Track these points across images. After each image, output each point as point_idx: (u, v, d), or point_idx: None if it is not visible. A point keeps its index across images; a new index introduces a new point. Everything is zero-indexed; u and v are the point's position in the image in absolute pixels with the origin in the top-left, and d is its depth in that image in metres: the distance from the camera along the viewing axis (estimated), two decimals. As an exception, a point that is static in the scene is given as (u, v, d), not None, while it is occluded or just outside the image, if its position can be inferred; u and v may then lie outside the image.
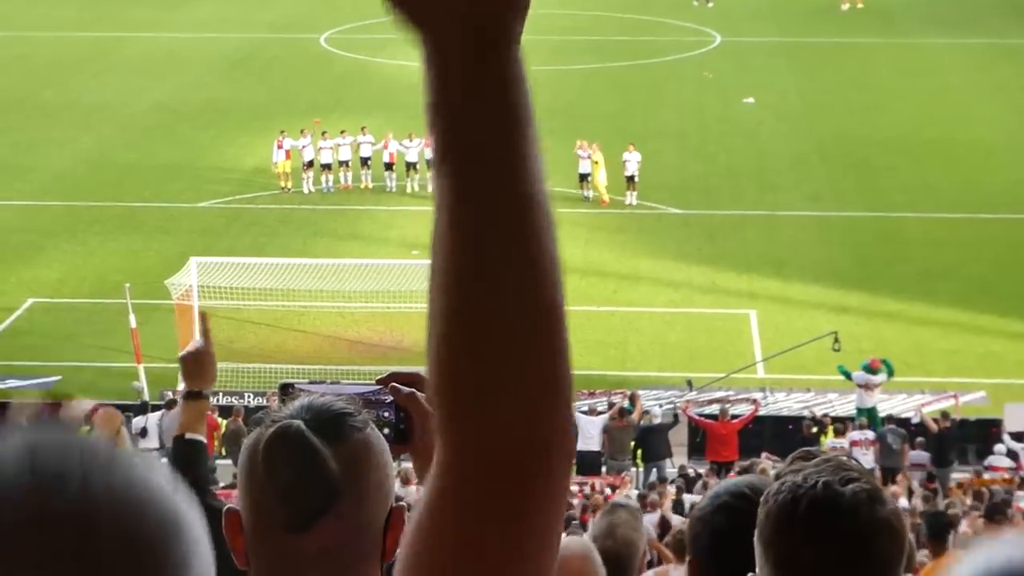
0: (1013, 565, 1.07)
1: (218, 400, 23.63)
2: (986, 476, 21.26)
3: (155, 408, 22.90)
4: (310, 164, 35.99)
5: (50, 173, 37.72)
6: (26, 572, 1.05)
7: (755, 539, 2.45)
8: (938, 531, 11.33)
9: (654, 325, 28.29)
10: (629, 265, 30.44)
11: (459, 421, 1.21)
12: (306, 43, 53.26)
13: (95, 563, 1.06)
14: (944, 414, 23.18)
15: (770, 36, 53.68)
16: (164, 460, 4.46)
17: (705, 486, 19.81)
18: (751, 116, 42.72)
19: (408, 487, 14.36)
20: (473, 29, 1.17)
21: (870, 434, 22.17)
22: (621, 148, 34.67)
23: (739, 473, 18.72)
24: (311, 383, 2.36)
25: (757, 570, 2.44)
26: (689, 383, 24.89)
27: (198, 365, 4.09)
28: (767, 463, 18.52)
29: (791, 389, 25.29)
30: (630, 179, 34.46)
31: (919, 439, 22.34)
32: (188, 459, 4.26)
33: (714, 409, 23.44)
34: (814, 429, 22.48)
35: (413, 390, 2.34)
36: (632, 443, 22.66)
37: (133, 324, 25.46)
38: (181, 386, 4.60)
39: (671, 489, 18.70)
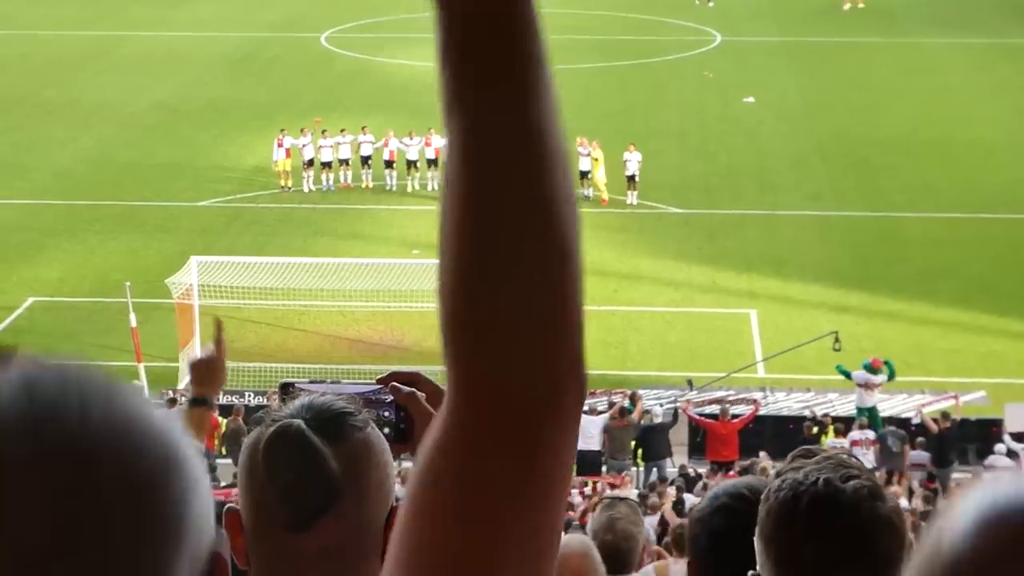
0: (1019, 501, 1.06)
1: (218, 399, 23.58)
2: (986, 476, 21.24)
3: (155, 407, 22.87)
4: (310, 163, 35.99)
5: (51, 172, 37.72)
6: (23, 506, 1.03)
7: (756, 536, 2.45)
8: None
9: (654, 324, 28.29)
10: (630, 264, 30.44)
11: (468, 358, 1.19)
12: (307, 42, 53.25)
13: (94, 497, 1.05)
14: (944, 414, 23.16)
15: (770, 36, 53.68)
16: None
17: (705, 487, 19.81)
18: (751, 115, 42.72)
19: (408, 486, 14.33)
20: None
21: (870, 434, 22.16)
22: (622, 147, 34.67)
23: (739, 472, 18.74)
24: (311, 382, 2.36)
25: (758, 568, 2.44)
26: (689, 383, 24.88)
27: (209, 372, 4.08)
28: (767, 463, 18.54)
29: (791, 389, 25.28)
30: (631, 179, 34.45)
31: (919, 439, 22.33)
32: None
33: (714, 409, 23.43)
34: (814, 429, 22.47)
35: (413, 390, 2.34)
36: (633, 443, 22.66)
37: (133, 323, 25.45)
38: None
39: (671, 491, 18.69)
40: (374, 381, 2.39)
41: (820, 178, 36.94)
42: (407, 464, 4.52)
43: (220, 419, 22.62)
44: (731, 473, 19.03)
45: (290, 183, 35.88)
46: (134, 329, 25.45)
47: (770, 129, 41.40)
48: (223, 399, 24.14)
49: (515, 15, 1.17)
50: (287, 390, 2.30)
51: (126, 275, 27.91)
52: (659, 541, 13.19)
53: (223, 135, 40.81)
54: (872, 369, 23.61)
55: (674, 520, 13.78)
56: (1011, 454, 22.02)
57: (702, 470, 21.53)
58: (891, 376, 23.62)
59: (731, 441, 22.44)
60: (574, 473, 20.87)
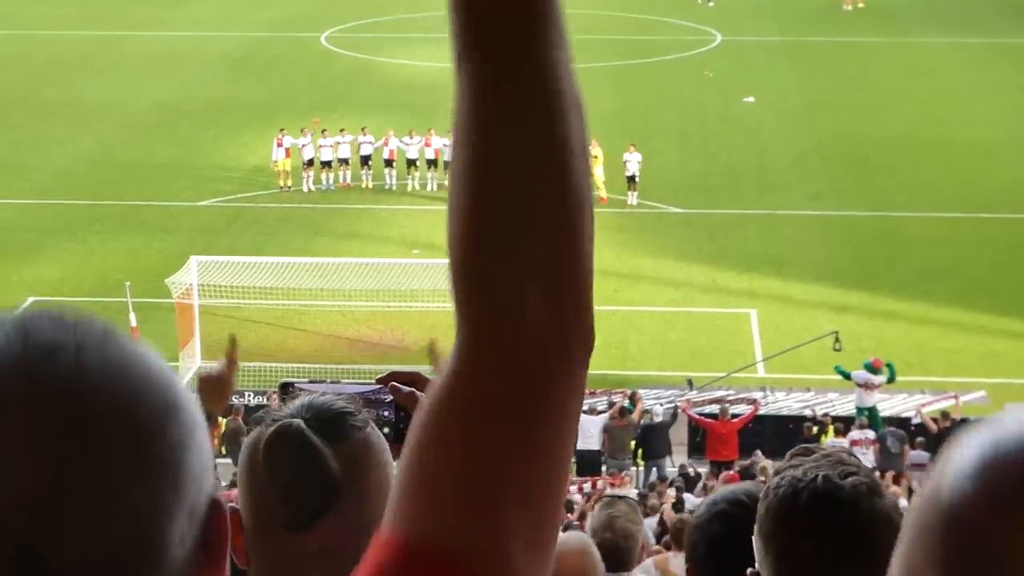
0: (1020, 443, 1.06)
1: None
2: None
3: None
4: (310, 163, 35.99)
5: (51, 171, 37.71)
6: (17, 451, 1.01)
7: (755, 534, 2.46)
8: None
9: (655, 324, 28.29)
10: (630, 264, 30.43)
11: (476, 303, 1.18)
12: (307, 42, 53.26)
13: (90, 441, 1.02)
14: (944, 414, 23.15)
15: (770, 35, 53.69)
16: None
17: (705, 487, 19.82)
18: (752, 115, 42.72)
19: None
20: None
21: (870, 434, 22.15)
22: (622, 147, 34.66)
23: (740, 472, 18.75)
24: (311, 382, 2.37)
25: (757, 565, 2.45)
26: (690, 382, 24.88)
27: (217, 389, 4.08)
28: (767, 462, 18.53)
29: (791, 388, 25.28)
30: (631, 179, 34.45)
31: (919, 439, 22.31)
32: None
33: (714, 408, 23.43)
34: (814, 429, 22.47)
35: (413, 389, 2.34)
36: (632, 442, 22.66)
37: (133, 323, 25.45)
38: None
39: (671, 492, 18.68)
40: (374, 381, 2.40)
41: (820, 178, 36.94)
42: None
43: (220, 419, 22.60)
44: (731, 473, 19.01)
45: (290, 183, 35.87)
46: (134, 329, 25.42)
47: (770, 129, 41.40)
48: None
49: None
50: (287, 390, 2.31)
51: (126, 275, 27.91)
52: (658, 542, 13.18)
53: (223, 135, 40.81)
54: (873, 369, 23.60)
55: (673, 518, 13.77)
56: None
57: (702, 470, 21.53)
58: (891, 379, 23.61)
59: (731, 441, 22.44)
60: (574, 473, 20.89)
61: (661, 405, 23.71)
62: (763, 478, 12.87)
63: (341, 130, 36.56)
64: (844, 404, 24.30)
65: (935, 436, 22.30)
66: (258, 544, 2.05)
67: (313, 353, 26.68)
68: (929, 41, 51.92)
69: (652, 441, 22.58)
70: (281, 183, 35.94)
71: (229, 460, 20.62)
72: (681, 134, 40.89)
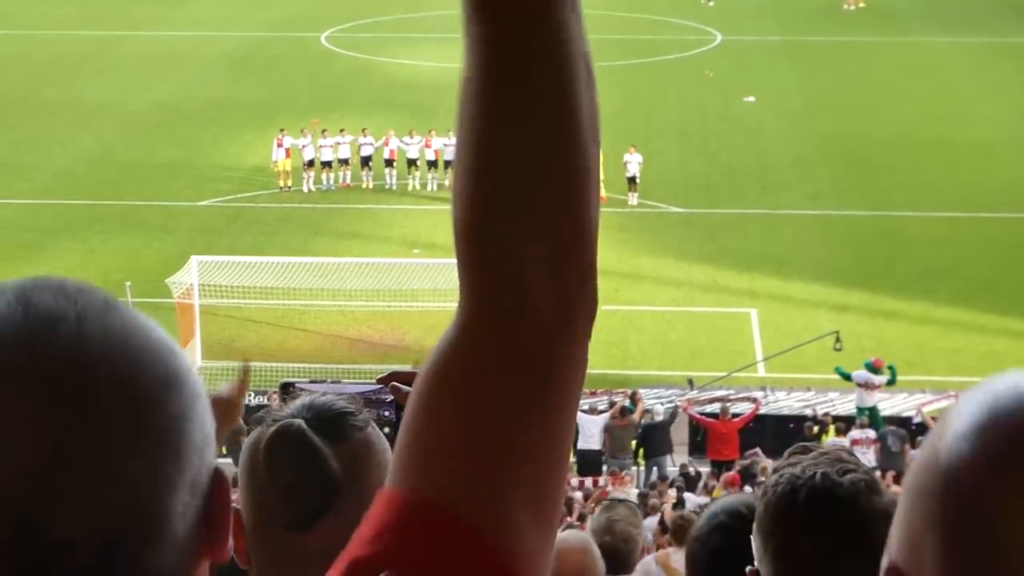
0: (1017, 404, 1.06)
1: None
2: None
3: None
4: (310, 164, 35.98)
5: (51, 171, 37.72)
6: (18, 421, 1.00)
7: (754, 531, 2.46)
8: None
9: (655, 324, 28.28)
10: (630, 264, 30.42)
11: (477, 266, 1.17)
12: (307, 41, 53.26)
13: (91, 412, 1.01)
14: (945, 413, 23.13)
15: (771, 35, 53.68)
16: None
17: (706, 486, 19.82)
18: (752, 115, 42.72)
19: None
20: None
21: (871, 433, 22.15)
22: (622, 147, 34.63)
23: (740, 471, 18.75)
24: (312, 382, 2.37)
25: (756, 563, 2.44)
26: (690, 382, 24.89)
27: (225, 411, 4.07)
28: (768, 462, 18.52)
29: (792, 388, 25.28)
30: (631, 180, 34.43)
31: (920, 438, 22.30)
32: None
33: (715, 408, 23.44)
34: (815, 428, 22.47)
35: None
36: (633, 442, 22.67)
37: (134, 322, 25.43)
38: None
39: (671, 492, 18.68)
40: (374, 381, 2.40)
41: (821, 177, 36.94)
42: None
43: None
44: (732, 473, 19.00)
45: (290, 183, 35.87)
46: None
47: (771, 128, 41.40)
48: (223, 399, 24.12)
49: None
50: (287, 390, 2.31)
51: (126, 275, 27.90)
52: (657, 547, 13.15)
53: (223, 135, 40.81)
54: (874, 368, 23.59)
55: (673, 515, 13.75)
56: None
57: (703, 469, 21.53)
58: (892, 381, 23.60)
59: (731, 440, 22.44)
60: (574, 472, 20.90)
61: (662, 405, 23.72)
62: (763, 479, 12.86)
63: (341, 130, 36.56)
64: (845, 403, 24.30)
65: (936, 435, 22.29)
66: (259, 544, 2.04)
67: (314, 353, 26.69)
68: (930, 41, 51.92)
69: (653, 440, 22.58)
70: (281, 183, 35.93)
71: (230, 460, 20.63)
72: (681, 134, 40.89)
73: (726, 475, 19.12)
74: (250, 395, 24.42)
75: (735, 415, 22.87)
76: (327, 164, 36.11)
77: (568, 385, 1.20)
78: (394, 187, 35.83)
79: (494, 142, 1.16)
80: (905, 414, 23.77)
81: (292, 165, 35.88)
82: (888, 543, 1.13)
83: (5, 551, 1.00)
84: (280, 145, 35.93)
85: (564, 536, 4.47)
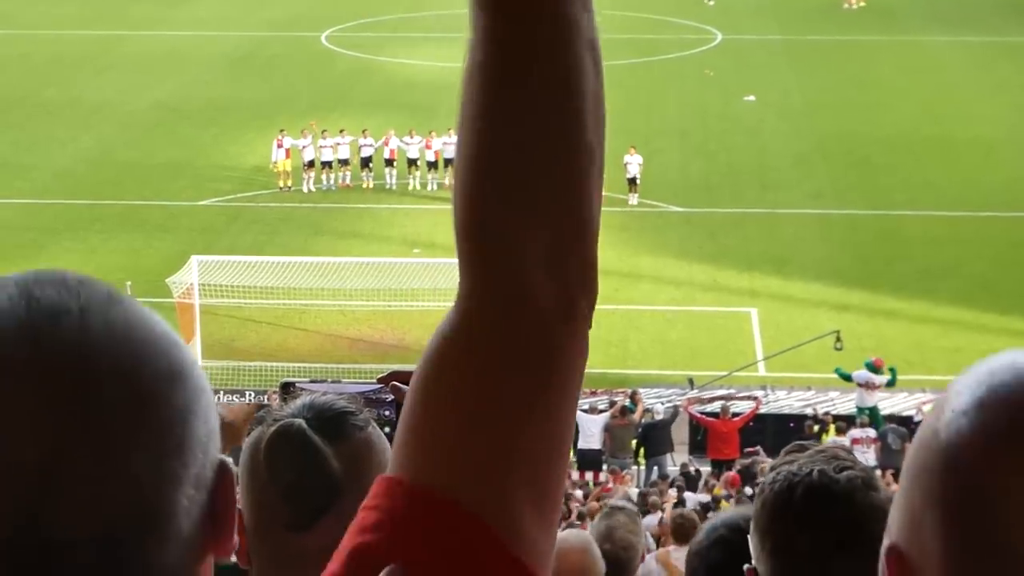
0: (1016, 381, 1.06)
1: (219, 399, 23.63)
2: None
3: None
4: (311, 164, 35.98)
5: (51, 171, 37.72)
6: (21, 415, 0.99)
7: (751, 529, 2.46)
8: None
9: (655, 323, 28.29)
10: (630, 263, 30.42)
11: (476, 254, 1.17)
12: (307, 41, 53.25)
13: (94, 406, 1.00)
14: (945, 412, 23.12)
15: (771, 34, 53.68)
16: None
17: (706, 485, 19.83)
18: (752, 114, 42.72)
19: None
20: None
21: (871, 432, 22.16)
22: (622, 147, 34.61)
23: (741, 471, 18.76)
24: (312, 382, 2.37)
25: (753, 561, 2.44)
26: (690, 381, 24.89)
27: (227, 433, 4.07)
28: (768, 461, 18.52)
29: (792, 387, 25.29)
30: (632, 181, 34.41)
31: (920, 437, 22.31)
32: None
33: (715, 407, 23.44)
34: (815, 428, 22.47)
35: (414, 389, 2.34)
36: (634, 441, 22.67)
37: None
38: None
39: (672, 492, 18.68)
40: (375, 380, 2.39)
41: (821, 176, 36.94)
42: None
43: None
44: (732, 473, 19.01)
45: (290, 183, 35.87)
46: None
47: (771, 128, 41.40)
48: (224, 398, 24.14)
49: None
50: (288, 389, 2.31)
51: (127, 274, 27.90)
52: (658, 543, 13.17)
53: (223, 134, 40.81)
54: (874, 368, 23.59)
55: (673, 513, 13.74)
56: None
57: (703, 468, 21.53)
58: (892, 383, 23.60)
59: (732, 439, 22.44)
60: (575, 471, 20.90)
61: (662, 404, 23.73)
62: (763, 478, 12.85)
63: (341, 131, 36.56)
64: (845, 403, 24.31)
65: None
66: (259, 544, 2.04)
67: (314, 353, 26.69)
68: (930, 40, 51.92)
69: (653, 439, 22.58)
70: (281, 184, 35.92)
71: (230, 460, 20.63)
72: (682, 133, 40.89)
73: (726, 474, 19.14)
74: (250, 395, 24.49)
75: (735, 414, 22.88)
76: (327, 164, 36.12)
77: (568, 382, 1.19)
78: (394, 187, 35.83)
79: (496, 140, 1.15)
80: (905, 413, 23.77)
81: (292, 165, 35.87)
82: (888, 526, 1.13)
83: (5, 548, 0.99)
84: (280, 146, 35.92)
85: (564, 536, 4.46)
